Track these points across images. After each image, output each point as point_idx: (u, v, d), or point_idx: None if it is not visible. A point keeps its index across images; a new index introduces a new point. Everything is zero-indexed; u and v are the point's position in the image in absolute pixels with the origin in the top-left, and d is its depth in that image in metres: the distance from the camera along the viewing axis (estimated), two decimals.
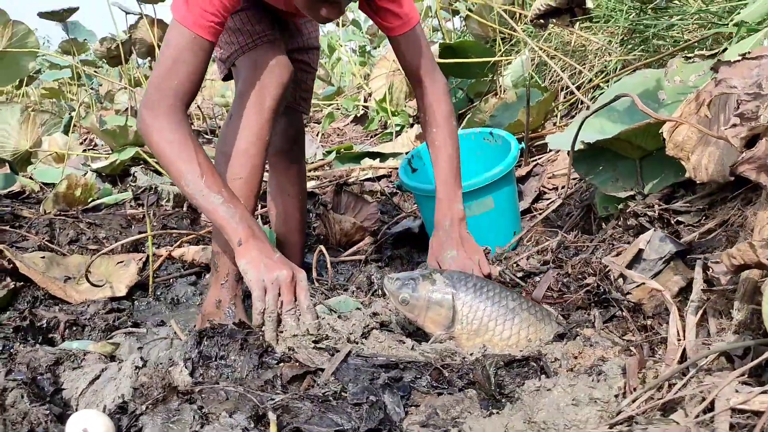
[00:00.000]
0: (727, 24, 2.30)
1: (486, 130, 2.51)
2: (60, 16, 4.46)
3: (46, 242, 2.48)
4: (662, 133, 1.76)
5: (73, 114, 3.74)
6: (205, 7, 1.48)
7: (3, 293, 2.04)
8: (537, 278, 1.65)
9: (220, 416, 1.09)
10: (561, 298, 1.48)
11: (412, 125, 3.98)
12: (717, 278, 1.32)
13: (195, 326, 1.79)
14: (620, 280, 1.44)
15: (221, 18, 1.51)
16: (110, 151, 3.76)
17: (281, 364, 1.38)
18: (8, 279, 2.13)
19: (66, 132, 3.75)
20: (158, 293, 2.25)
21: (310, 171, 3.67)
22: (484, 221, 2.28)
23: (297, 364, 1.35)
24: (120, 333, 1.81)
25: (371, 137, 4.41)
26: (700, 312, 1.16)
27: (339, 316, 1.61)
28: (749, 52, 1.09)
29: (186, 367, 1.25)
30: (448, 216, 1.83)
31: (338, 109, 5.00)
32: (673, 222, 1.78)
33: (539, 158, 3.02)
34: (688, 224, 1.71)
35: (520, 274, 1.73)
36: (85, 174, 3.08)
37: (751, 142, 1.01)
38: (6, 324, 1.74)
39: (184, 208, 2.78)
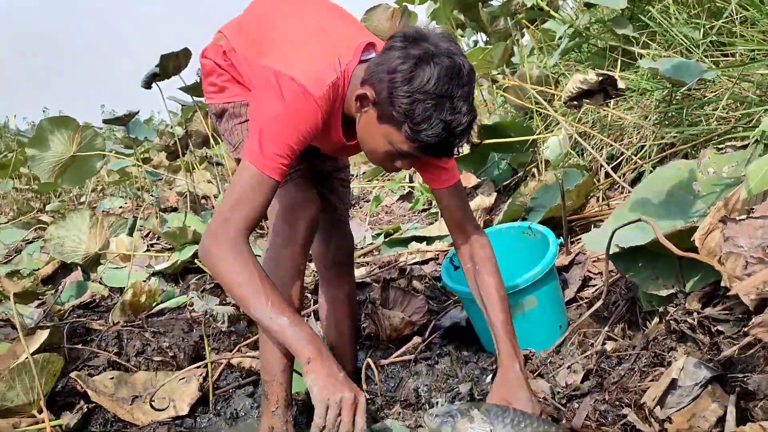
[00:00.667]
0: (757, 112, 2.30)
1: (524, 224, 2.56)
2: (122, 120, 4.79)
3: (115, 357, 2.65)
4: (694, 240, 1.78)
5: (137, 217, 3.98)
6: (276, 151, 1.59)
7: (77, 419, 2.20)
8: (576, 403, 1.67)
9: None
10: (599, 428, 1.50)
11: None
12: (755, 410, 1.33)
13: None
14: (657, 410, 1.45)
15: (289, 160, 1.62)
16: (172, 249, 3.97)
17: None
18: (82, 402, 2.29)
19: (131, 233, 4.00)
20: (218, 407, 2.36)
21: (359, 257, 3.78)
22: (528, 320, 2.31)
23: None
24: None
25: (420, 213, 4.50)
26: None
27: None
28: (753, 209, 1.12)
29: None
30: (515, 360, 1.80)
31: (383, 186, 5.13)
32: (713, 330, 1.78)
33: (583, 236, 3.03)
34: (727, 335, 1.71)
35: (559, 393, 1.75)
36: (148, 278, 3.27)
37: (760, 304, 1.04)
38: None
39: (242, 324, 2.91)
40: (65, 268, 4.15)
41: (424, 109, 1.48)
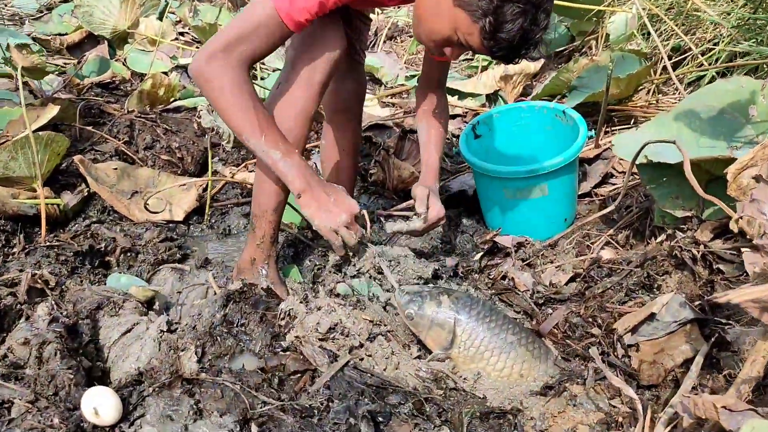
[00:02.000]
0: None
1: (560, 107, 2.40)
2: None
3: (123, 147, 2.65)
4: (726, 173, 1.66)
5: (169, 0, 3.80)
6: (304, 5, 1.49)
7: (76, 201, 2.25)
8: (550, 309, 1.65)
9: (212, 414, 1.22)
10: (564, 339, 1.49)
11: (498, 63, 3.79)
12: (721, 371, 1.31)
13: (229, 279, 1.92)
14: (627, 337, 1.43)
15: (313, 17, 1.53)
16: (201, 43, 3.84)
17: (287, 352, 1.50)
18: (83, 185, 2.33)
19: (161, 18, 3.83)
20: (213, 221, 2.39)
21: (386, 96, 3.63)
22: (535, 206, 2.25)
23: (301, 357, 1.46)
24: (167, 267, 1.98)
25: (461, 62, 4.25)
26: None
27: (358, 301, 1.70)
28: None
29: (195, 353, 1.38)
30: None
31: None
32: (714, 268, 1.71)
33: (619, 130, 2.86)
34: (726, 276, 1.64)
35: (538, 293, 1.74)
36: (170, 71, 3.19)
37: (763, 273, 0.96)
38: (69, 244, 1.93)
39: None
40: (92, 39, 4.06)
41: (511, 11, 1.38)
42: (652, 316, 1.42)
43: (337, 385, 1.34)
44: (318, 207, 1.64)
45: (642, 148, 1.77)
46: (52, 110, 2.34)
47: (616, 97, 2.87)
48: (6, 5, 5.08)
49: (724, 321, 1.49)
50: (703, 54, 2.69)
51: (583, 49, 3.94)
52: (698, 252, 1.74)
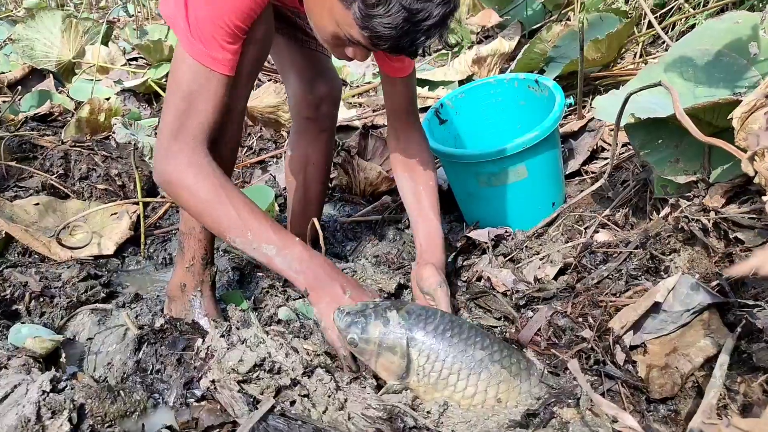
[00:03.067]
0: None
1: (531, 76, 2.09)
2: None
3: (54, 179, 2.37)
4: (732, 119, 1.34)
5: (112, 21, 3.54)
6: (215, 33, 1.21)
7: None
8: (530, 312, 1.33)
9: None
10: (549, 349, 1.16)
11: (471, 46, 3.50)
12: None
13: (157, 315, 1.62)
14: (627, 336, 1.11)
15: (237, 46, 1.26)
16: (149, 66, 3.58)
17: (203, 402, 1.19)
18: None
19: (105, 43, 3.58)
20: (152, 250, 2.10)
21: (351, 96, 3.34)
22: (514, 192, 1.94)
23: (218, 407, 1.15)
24: (85, 309, 1.68)
25: (431, 55, 3.96)
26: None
27: (302, 326, 1.39)
28: None
29: (70, 420, 1.07)
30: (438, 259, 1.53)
31: None
32: (731, 237, 1.39)
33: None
34: (747, 246, 1.32)
35: (518, 293, 1.42)
36: (109, 98, 2.92)
37: None
38: None
39: None
40: (38, 74, 3.81)
41: None
42: (656, 307, 1.10)
43: None
44: (329, 304, 1.28)
45: (625, 101, 1.45)
46: None
47: (599, 62, 2.56)
48: None
49: (751, 303, 1.17)
50: (687, 1, 2.37)
51: (561, 23, 3.65)
52: (709, 221, 1.42)
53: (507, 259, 1.71)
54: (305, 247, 1.30)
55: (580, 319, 1.19)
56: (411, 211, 1.65)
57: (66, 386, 1.22)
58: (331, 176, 2.48)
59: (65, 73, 3.77)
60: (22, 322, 1.60)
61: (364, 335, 1.16)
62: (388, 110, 1.67)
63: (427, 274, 1.45)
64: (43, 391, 1.17)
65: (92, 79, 3.63)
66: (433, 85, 3.17)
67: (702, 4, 2.30)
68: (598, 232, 1.77)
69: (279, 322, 1.47)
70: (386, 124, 1.74)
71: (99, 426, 1.10)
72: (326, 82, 1.88)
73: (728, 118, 1.35)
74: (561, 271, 1.55)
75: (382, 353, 1.16)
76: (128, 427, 1.13)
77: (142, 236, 2.06)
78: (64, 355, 1.46)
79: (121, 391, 1.23)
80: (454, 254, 1.78)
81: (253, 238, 1.27)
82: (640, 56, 2.60)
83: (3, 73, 3.74)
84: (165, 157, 1.29)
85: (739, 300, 1.17)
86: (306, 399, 1.15)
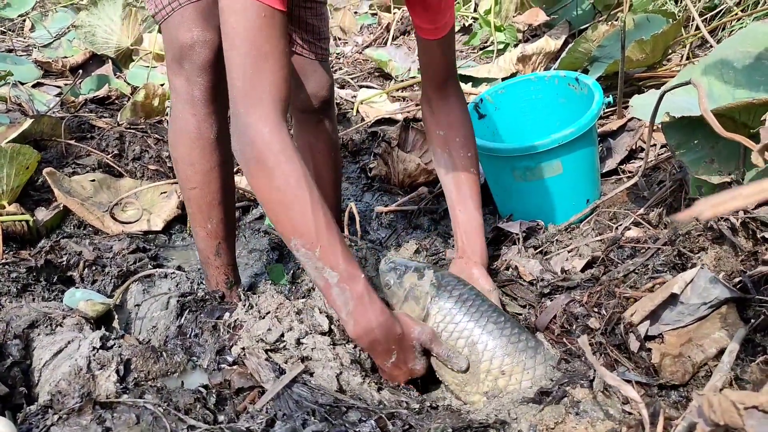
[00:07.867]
0: None
1: (572, 74, 2.12)
2: None
3: (109, 158, 2.51)
4: (765, 120, 1.36)
5: None
6: None
7: (50, 216, 2.09)
8: (550, 301, 1.37)
9: None
10: (561, 337, 1.20)
11: (516, 44, 3.52)
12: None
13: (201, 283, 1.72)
14: (644, 325, 1.14)
15: None
16: None
17: (235, 366, 1.27)
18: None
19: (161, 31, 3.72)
20: None
21: (397, 90, 3.40)
22: (549, 187, 1.97)
23: (248, 372, 1.23)
24: (134, 279, 1.79)
25: (477, 49, 3.98)
26: None
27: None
28: None
29: (117, 372, 1.16)
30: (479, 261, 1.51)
31: None
32: (758, 237, 1.40)
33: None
34: None
35: (543, 281, 1.46)
36: (163, 84, 3.06)
37: None
38: (25, 261, 1.76)
39: None
40: (98, 60, 3.99)
41: None
42: (674, 299, 1.13)
43: (284, 404, 1.10)
44: (373, 355, 1.23)
45: (659, 99, 1.47)
46: (23, 124, 2.21)
47: (644, 63, 2.56)
48: (25, 37, 5.11)
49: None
50: (738, 4, 2.35)
51: (608, 23, 3.63)
52: (738, 220, 1.43)
53: (537, 251, 1.75)
54: (367, 286, 1.16)
55: (595, 309, 1.23)
56: (451, 200, 1.60)
57: (114, 344, 1.31)
58: (371, 166, 2.55)
59: (123, 59, 3.93)
60: (76, 287, 1.72)
61: (398, 281, 1.30)
62: (424, 76, 1.59)
63: (477, 275, 1.44)
64: (94, 347, 1.27)
65: (148, 66, 3.78)
66: (476, 81, 3.20)
67: (750, 5, 2.27)
68: (629, 229, 1.79)
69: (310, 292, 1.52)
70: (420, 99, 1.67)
71: (143, 382, 1.19)
72: (316, 80, 1.86)
73: (762, 118, 1.37)
74: (589, 265, 1.58)
75: (407, 300, 1.28)
76: (169, 384, 1.21)
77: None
78: (116, 317, 1.57)
79: (163, 353, 1.32)
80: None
81: (321, 256, 1.13)
82: (687, 58, 2.59)
83: (66, 57, 3.94)
84: (246, 125, 1.12)
85: (760, 297, 1.19)
86: (330, 369, 1.22)
